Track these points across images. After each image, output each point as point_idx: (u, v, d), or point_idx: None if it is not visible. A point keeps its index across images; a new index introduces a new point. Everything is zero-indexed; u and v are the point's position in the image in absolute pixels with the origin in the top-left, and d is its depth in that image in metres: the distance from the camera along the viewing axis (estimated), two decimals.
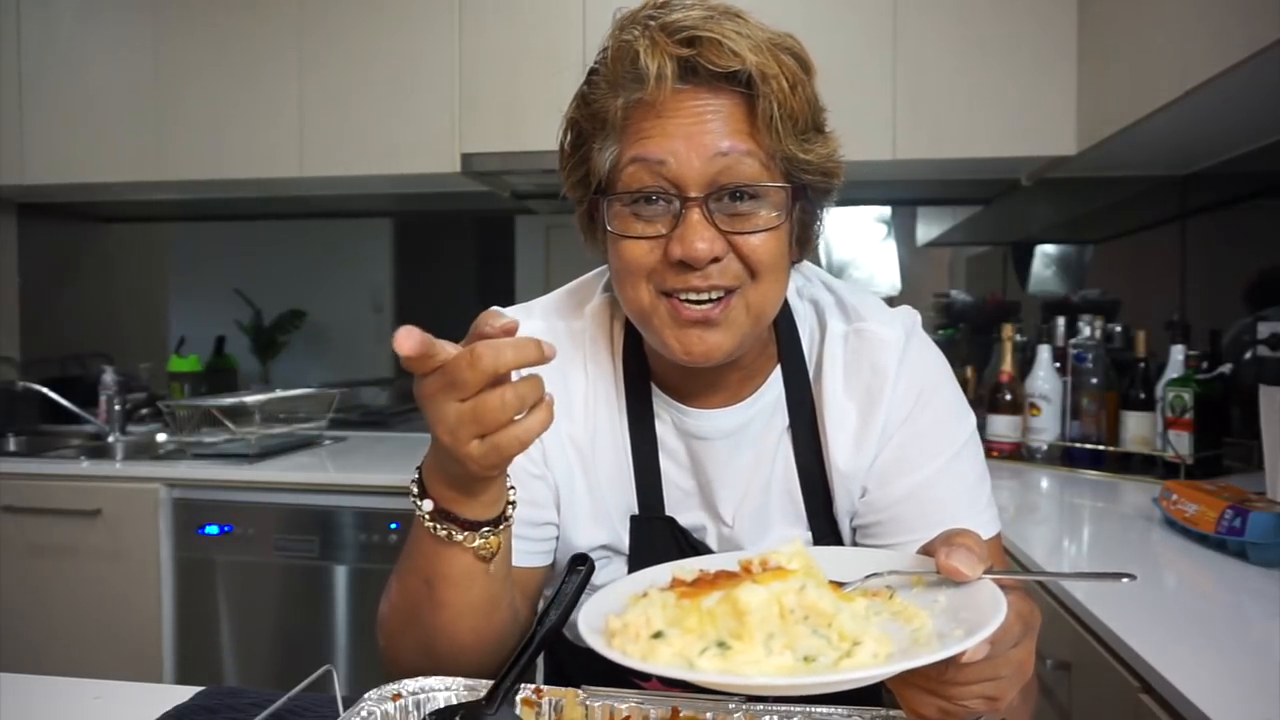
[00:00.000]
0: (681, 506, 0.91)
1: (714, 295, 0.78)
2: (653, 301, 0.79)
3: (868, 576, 0.63)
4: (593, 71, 0.81)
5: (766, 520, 0.89)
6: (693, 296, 0.78)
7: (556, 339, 0.91)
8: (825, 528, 0.89)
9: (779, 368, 0.90)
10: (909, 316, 0.91)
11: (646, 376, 0.91)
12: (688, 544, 0.90)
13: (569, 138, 0.84)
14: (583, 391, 0.91)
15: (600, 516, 0.90)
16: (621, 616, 0.55)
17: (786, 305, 0.90)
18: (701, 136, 0.75)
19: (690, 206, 0.76)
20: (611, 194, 0.79)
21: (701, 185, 0.76)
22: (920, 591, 0.61)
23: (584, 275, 0.98)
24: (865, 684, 0.51)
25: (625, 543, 0.90)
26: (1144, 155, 2.25)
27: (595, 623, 0.57)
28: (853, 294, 0.93)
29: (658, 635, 0.53)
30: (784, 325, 0.90)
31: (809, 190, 0.82)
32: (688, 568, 0.61)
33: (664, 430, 0.90)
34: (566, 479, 0.90)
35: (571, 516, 0.90)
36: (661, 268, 0.78)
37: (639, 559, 0.89)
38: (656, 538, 0.89)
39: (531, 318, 0.93)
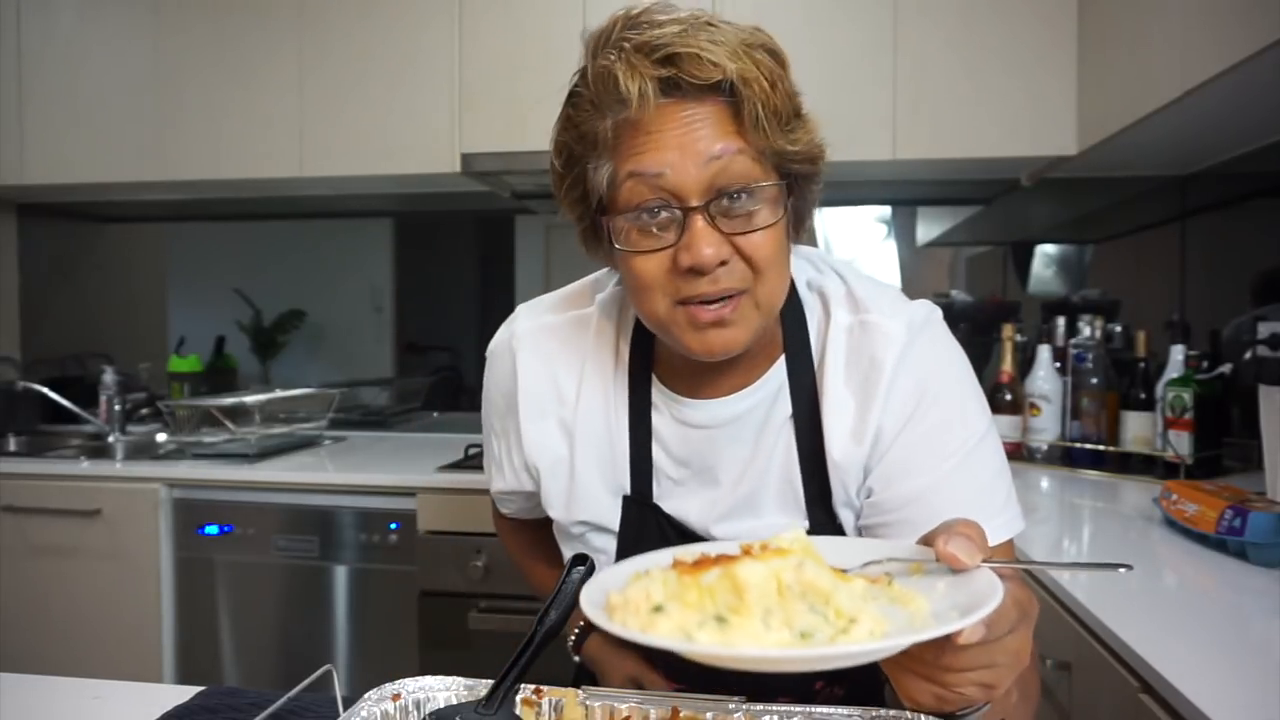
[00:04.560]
0: (670, 495, 0.93)
1: (724, 296, 0.79)
2: (670, 311, 0.81)
3: (866, 564, 0.63)
4: (574, 94, 0.82)
5: (759, 508, 0.91)
6: (706, 301, 0.79)
7: (559, 327, 0.96)
8: (823, 517, 0.89)
9: (783, 357, 0.91)
10: (920, 311, 0.90)
11: (649, 365, 0.93)
12: (673, 530, 0.92)
13: (561, 159, 0.85)
14: (579, 376, 0.94)
15: (589, 500, 0.95)
16: (623, 592, 0.56)
17: (795, 296, 0.91)
18: (694, 144, 0.76)
19: (693, 215, 0.77)
20: (614, 212, 0.80)
21: (700, 192, 0.77)
22: (919, 579, 0.61)
23: (602, 269, 1.00)
24: (861, 661, 0.52)
25: (615, 522, 0.94)
26: (1144, 155, 2.24)
27: (596, 599, 0.58)
28: (866, 285, 0.92)
29: (657, 609, 0.54)
30: (790, 316, 0.90)
31: (799, 178, 0.83)
32: (692, 551, 0.62)
33: (660, 420, 0.92)
34: (552, 466, 0.96)
35: (563, 498, 0.96)
36: (672, 277, 0.79)
37: (627, 539, 0.93)
38: (644, 522, 0.93)
39: (538, 312, 0.98)
